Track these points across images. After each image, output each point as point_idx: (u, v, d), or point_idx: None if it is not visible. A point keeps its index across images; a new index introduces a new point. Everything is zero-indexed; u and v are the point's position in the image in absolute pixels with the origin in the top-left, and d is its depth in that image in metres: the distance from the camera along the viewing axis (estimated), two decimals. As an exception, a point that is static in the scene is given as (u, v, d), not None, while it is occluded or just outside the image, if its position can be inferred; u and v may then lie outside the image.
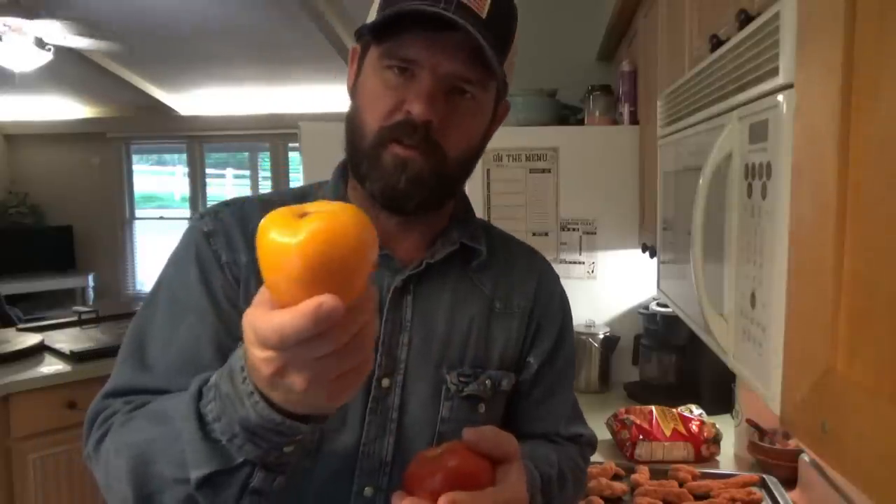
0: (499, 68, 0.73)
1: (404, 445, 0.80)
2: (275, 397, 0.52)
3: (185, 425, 0.59)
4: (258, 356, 0.49)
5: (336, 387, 0.50)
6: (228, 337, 0.75)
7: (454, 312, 0.84)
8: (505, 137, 2.30)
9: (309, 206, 0.47)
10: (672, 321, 2.01)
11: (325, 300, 0.44)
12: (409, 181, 0.74)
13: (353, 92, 0.80)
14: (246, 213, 0.82)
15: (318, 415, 0.56)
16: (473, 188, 2.29)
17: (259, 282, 0.50)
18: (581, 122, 2.37)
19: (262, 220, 0.47)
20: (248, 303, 0.55)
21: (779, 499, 1.33)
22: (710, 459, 1.63)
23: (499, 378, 0.86)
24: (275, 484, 0.60)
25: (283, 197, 0.86)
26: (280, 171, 6.81)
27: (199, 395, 0.60)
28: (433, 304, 0.83)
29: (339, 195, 0.83)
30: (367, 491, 0.79)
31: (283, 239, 0.44)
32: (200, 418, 0.59)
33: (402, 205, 0.77)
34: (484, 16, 0.71)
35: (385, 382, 0.80)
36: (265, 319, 0.47)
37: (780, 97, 0.64)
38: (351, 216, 0.46)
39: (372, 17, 0.76)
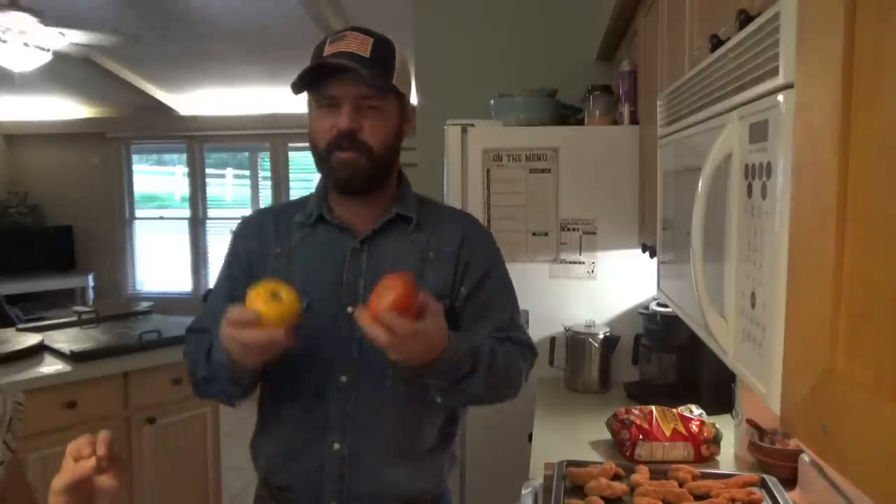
0: (383, 84, 1.13)
1: (366, 349, 1.13)
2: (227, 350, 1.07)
3: (203, 351, 1.17)
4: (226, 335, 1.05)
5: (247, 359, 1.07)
6: (236, 298, 1.14)
7: (397, 261, 1.20)
8: (505, 137, 2.32)
9: (280, 290, 1.04)
10: (672, 321, 2.01)
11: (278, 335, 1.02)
12: (352, 173, 1.16)
13: (309, 124, 1.20)
14: (262, 218, 1.31)
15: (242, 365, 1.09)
16: (473, 188, 2.29)
17: (259, 264, 1.25)
18: (581, 122, 2.37)
19: (251, 294, 1.04)
20: (257, 269, 1.24)
21: (779, 499, 1.33)
22: (710, 459, 1.63)
23: None
24: (239, 394, 1.17)
25: (290, 205, 1.32)
26: (280, 171, 6.80)
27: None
28: (381, 256, 1.22)
29: (321, 197, 1.25)
30: (343, 378, 1.20)
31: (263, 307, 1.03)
32: (209, 348, 1.15)
33: (353, 189, 1.19)
34: (367, 55, 1.12)
35: (350, 310, 1.16)
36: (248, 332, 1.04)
37: (780, 97, 0.64)
38: (295, 307, 1.04)
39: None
